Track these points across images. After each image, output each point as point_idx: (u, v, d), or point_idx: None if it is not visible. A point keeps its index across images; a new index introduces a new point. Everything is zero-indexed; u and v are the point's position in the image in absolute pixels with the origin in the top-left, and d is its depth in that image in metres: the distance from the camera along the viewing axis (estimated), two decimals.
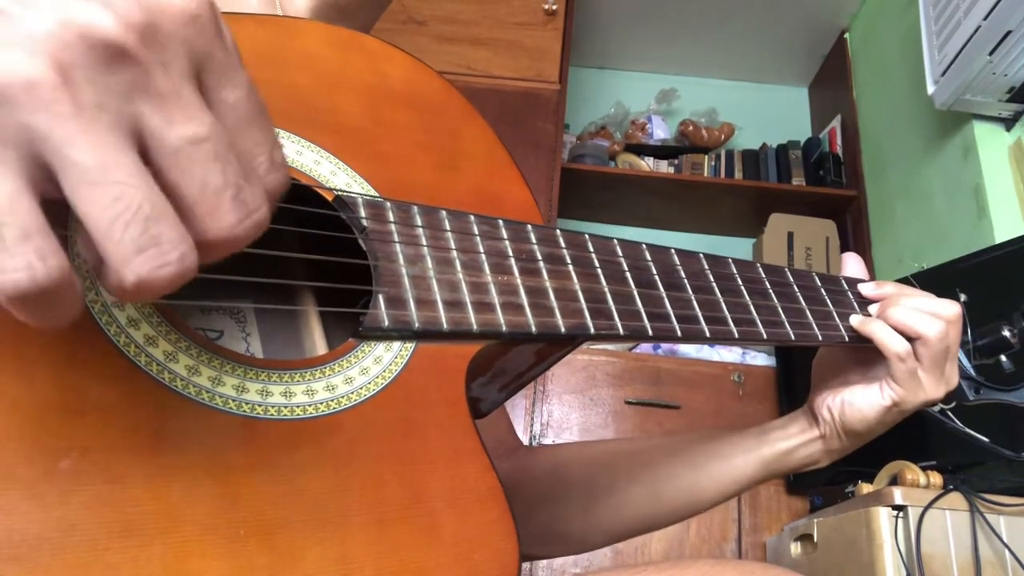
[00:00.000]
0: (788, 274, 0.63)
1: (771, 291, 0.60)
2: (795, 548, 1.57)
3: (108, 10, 0.25)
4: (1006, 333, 0.66)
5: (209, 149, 0.27)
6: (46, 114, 0.24)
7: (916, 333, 0.61)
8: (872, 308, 0.65)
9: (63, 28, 0.24)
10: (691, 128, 2.85)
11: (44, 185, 0.25)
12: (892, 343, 0.61)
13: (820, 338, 0.60)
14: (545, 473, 0.73)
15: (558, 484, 0.72)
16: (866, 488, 1.40)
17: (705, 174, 2.74)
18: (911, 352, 0.61)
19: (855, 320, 0.63)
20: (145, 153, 0.26)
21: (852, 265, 0.69)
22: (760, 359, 2.16)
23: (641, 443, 0.74)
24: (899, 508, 1.26)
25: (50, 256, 0.24)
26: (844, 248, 2.53)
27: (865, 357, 0.66)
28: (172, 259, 0.26)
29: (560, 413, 1.98)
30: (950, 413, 0.66)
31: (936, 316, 0.61)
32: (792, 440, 0.68)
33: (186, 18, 0.27)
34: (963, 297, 0.66)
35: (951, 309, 0.62)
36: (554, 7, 2.40)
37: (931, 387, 0.62)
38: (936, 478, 1.31)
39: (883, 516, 1.26)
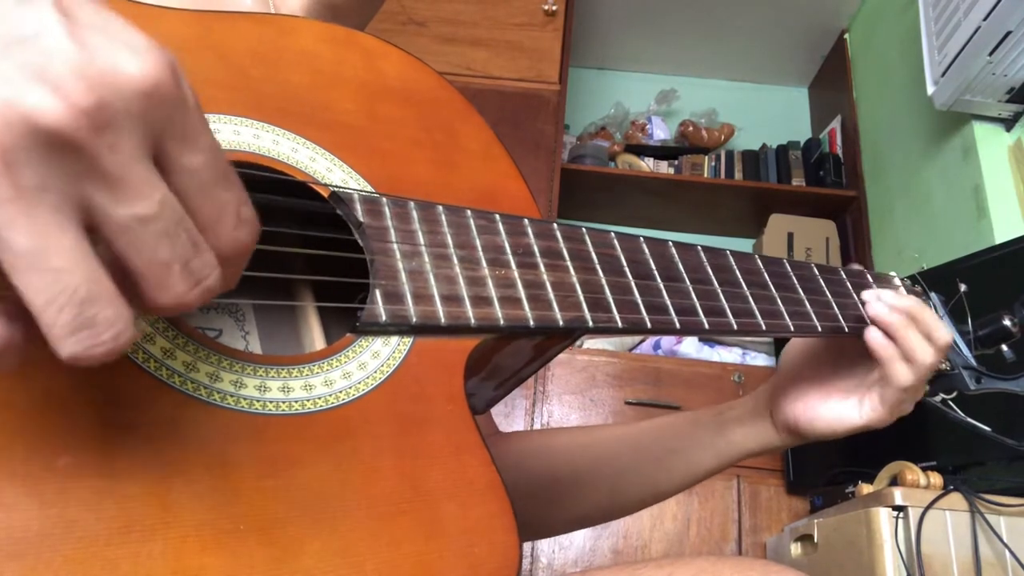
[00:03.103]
0: (787, 265, 0.63)
1: (770, 282, 0.60)
2: (795, 548, 1.57)
3: (56, 95, 0.24)
4: (1007, 322, 0.65)
5: (158, 227, 0.27)
6: None
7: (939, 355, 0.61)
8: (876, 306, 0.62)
9: (8, 109, 0.24)
10: (691, 129, 2.85)
11: None
12: (904, 373, 0.60)
13: (819, 329, 0.60)
14: (509, 465, 0.74)
15: (521, 475, 0.72)
16: (866, 488, 1.40)
17: (705, 175, 2.74)
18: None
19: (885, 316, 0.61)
20: (92, 227, 0.26)
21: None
22: (760, 359, 2.16)
23: (599, 434, 0.74)
24: (899, 508, 1.26)
25: None
26: (844, 248, 2.53)
27: (843, 354, 0.65)
28: (105, 339, 0.26)
29: (560, 414, 1.98)
30: (951, 403, 0.66)
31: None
32: (749, 436, 0.69)
33: (142, 93, 0.26)
34: (963, 287, 0.65)
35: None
36: (554, 8, 2.40)
37: (896, 414, 0.62)
38: (936, 478, 1.31)
39: (883, 516, 1.26)
